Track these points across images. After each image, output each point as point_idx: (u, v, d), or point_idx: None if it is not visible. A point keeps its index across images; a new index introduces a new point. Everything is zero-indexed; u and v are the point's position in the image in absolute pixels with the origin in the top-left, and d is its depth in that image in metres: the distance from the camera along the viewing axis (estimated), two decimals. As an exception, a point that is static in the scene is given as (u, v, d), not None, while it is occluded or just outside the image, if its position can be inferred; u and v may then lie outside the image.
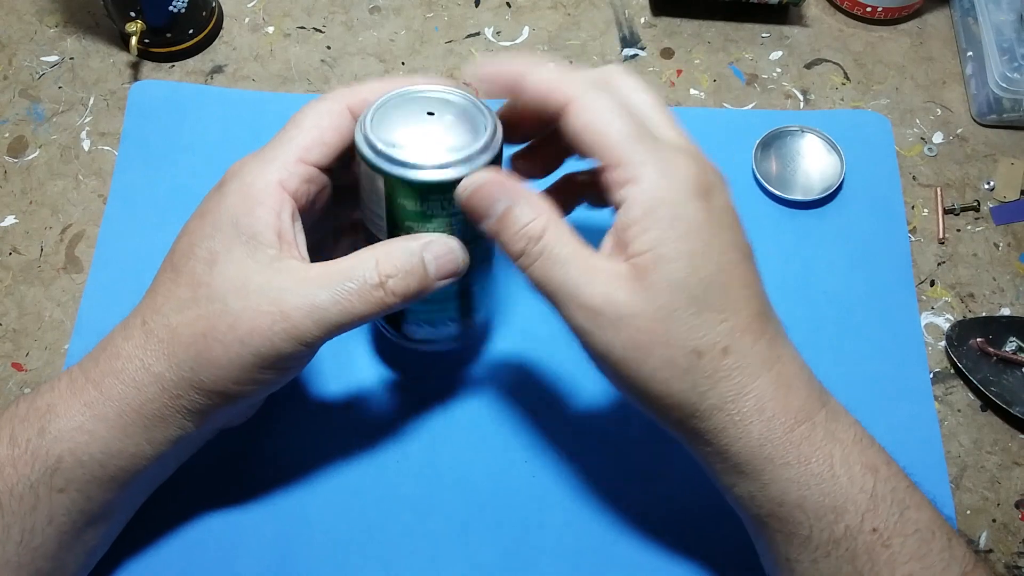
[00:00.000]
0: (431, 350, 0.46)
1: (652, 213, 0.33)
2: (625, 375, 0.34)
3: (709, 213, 0.33)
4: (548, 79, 0.35)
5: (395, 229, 0.37)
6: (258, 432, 0.46)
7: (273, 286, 0.34)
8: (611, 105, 0.34)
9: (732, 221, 0.35)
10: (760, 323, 0.34)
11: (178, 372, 0.35)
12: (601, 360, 0.34)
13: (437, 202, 0.36)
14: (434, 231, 0.37)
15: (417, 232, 0.37)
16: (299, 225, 0.37)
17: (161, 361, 0.35)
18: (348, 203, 0.40)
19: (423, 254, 0.36)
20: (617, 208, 0.34)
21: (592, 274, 0.33)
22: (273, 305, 0.34)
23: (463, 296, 0.42)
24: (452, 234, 0.37)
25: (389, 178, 0.35)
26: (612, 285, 0.33)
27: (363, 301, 0.35)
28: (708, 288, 0.33)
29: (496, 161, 0.37)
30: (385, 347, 0.49)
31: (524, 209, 0.34)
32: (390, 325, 0.43)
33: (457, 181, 0.35)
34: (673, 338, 0.33)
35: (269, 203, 0.35)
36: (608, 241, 0.35)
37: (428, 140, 0.36)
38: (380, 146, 0.35)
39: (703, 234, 0.33)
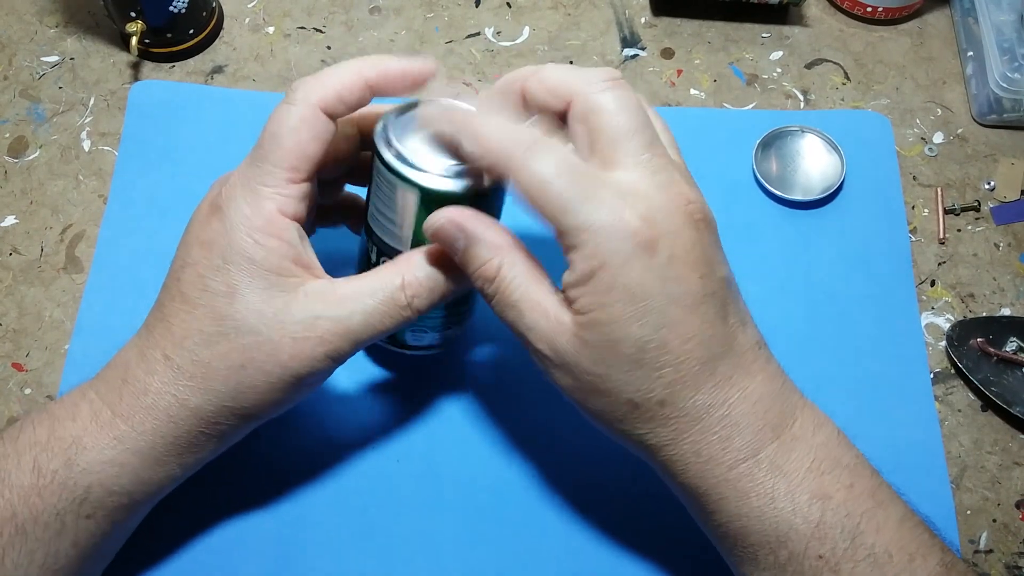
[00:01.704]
0: (426, 355, 0.46)
1: (591, 278, 0.33)
2: (581, 406, 0.36)
3: (649, 272, 0.33)
4: (492, 139, 0.34)
5: (417, 239, 0.38)
6: (258, 432, 0.46)
7: (307, 312, 0.35)
8: (552, 165, 0.33)
9: (681, 270, 0.33)
10: (703, 372, 0.34)
11: (217, 403, 0.36)
12: (560, 389, 0.37)
13: (436, 206, 0.36)
14: None
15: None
16: (308, 243, 0.37)
17: (197, 395, 0.35)
18: (325, 189, 0.41)
19: (448, 272, 0.37)
20: (573, 238, 0.34)
21: (541, 320, 0.35)
22: (310, 331, 0.35)
23: (468, 301, 0.42)
24: None
25: (423, 190, 0.36)
26: (556, 333, 0.34)
27: (390, 319, 0.36)
28: (643, 349, 0.33)
29: None
30: (384, 348, 0.49)
31: (479, 250, 0.35)
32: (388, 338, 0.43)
33: (493, 188, 0.37)
34: (610, 389, 0.34)
35: (277, 234, 0.35)
36: (569, 272, 0.34)
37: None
38: (403, 149, 0.36)
39: (640, 298, 0.33)
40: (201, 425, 0.36)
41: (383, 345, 0.44)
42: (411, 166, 0.36)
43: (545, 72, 0.36)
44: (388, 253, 0.39)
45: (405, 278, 0.36)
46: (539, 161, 0.33)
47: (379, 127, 0.37)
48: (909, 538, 0.34)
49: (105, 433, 0.36)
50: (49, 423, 0.36)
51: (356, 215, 0.45)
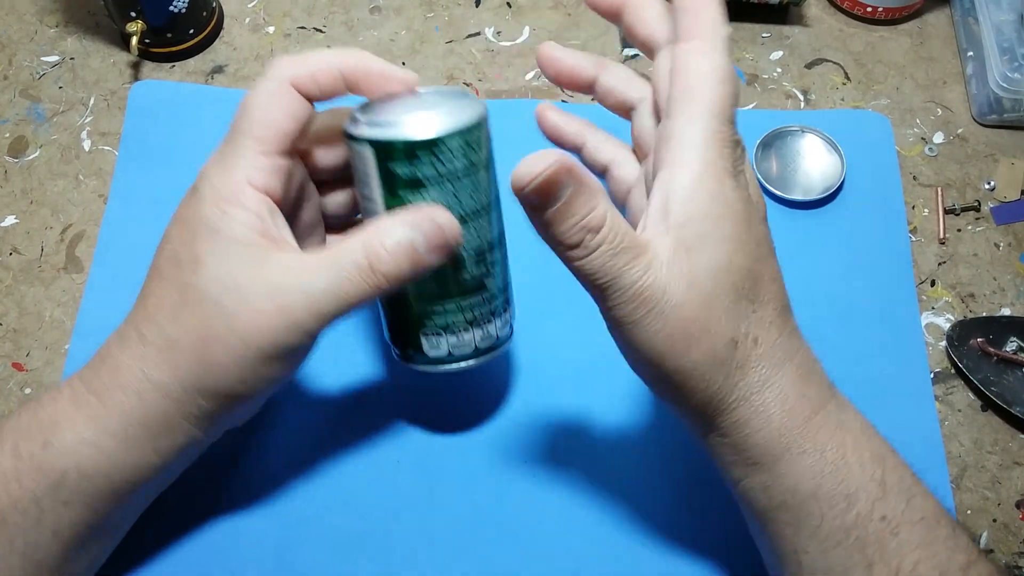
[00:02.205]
0: (454, 371, 0.41)
1: (702, 184, 0.32)
2: (665, 367, 0.33)
3: (747, 203, 0.33)
4: (703, 7, 0.34)
5: (390, 207, 0.37)
6: (257, 432, 0.46)
7: (266, 282, 0.34)
8: (731, 80, 0.33)
9: (763, 218, 0.35)
10: (784, 316, 0.35)
11: (182, 380, 0.35)
12: (641, 351, 0.33)
13: (428, 164, 0.36)
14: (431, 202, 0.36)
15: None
16: (282, 220, 0.36)
17: (163, 371, 0.35)
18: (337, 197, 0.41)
19: (409, 229, 0.35)
20: (658, 165, 0.33)
21: (643, 262, 0.32)
22: (269, 301, 0.34)
23: (476, 287, 0.39)
24: (452, 205, 0.36)
25: (375, 144, 0.36)
26: (661, 273, 0.32)
27: (356, 287, 0.34)
28: (744, 277, 0.33)
29: (466, 129, 0.36)
30: (383, 346, 0.49)
31: (584, 198, 0.31)
32: (401, 344, 0.41)
33: (447, 137, 0.35)
34: (715, 327, 0.33)
35: (242, 203, 0.35)
36: (654, 202, 0.33)
37: (415, 109, 0.36)
38: (363, 117, 0.36)
39: (741, 219, 0.33)
40: (169, 405, 0.35)
41: (405, 364, 0.41)
42: (365, 125, 0.36)
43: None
44: None
45: (367, 242, 0.35)
46: (730, 65, 0.34)
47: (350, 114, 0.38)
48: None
49: (81, 413, 0.35)
50: (33, 409, 0.36)
51: None
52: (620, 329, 0.33)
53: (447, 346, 0.40)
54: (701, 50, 0.33)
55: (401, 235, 0.34)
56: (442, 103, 0.36)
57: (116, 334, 0.37)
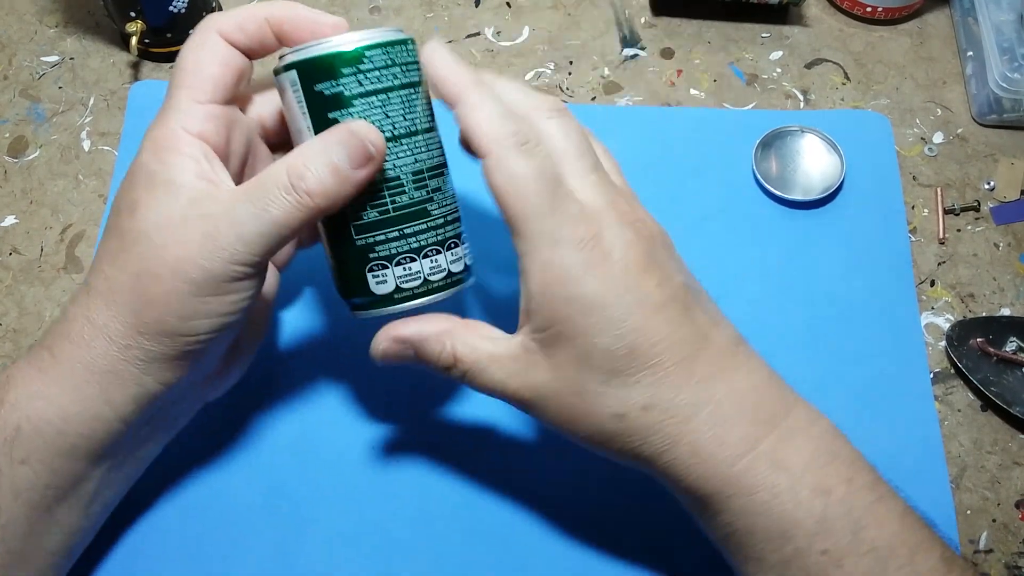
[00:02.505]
0: (408, 310, 0.38)
1: (546, 291, 0.34)
2: (569, 438, 0.37)
3: (604, 282, 0.34)
4: (477, 122, 0.35)
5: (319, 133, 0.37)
6: (256, 433, 0.46)
7: (194, 213, 0.34)
8: (530, 171, 0.34)
9: (637, 279, 0.34)
10: (681, 371, 0.34)
11: (121, 319, 0.35)
12: (550, 427, 0.37)
13: (353, 79, 0.36)
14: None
15: None
16: (219, 164, 0.37)
17: (102, 312, 0.35)
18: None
19: (331, 144, 0.35)
20: (520, 274, 0.35)
21: (511, 367, 0.36)
22: (196, 230, 0.34)
23: (418, 213, 0.38)
24: (383, 123, 0.36)
25: (298, 65, 0.36)
26: (529, 374, 0.36)
27: (281, 208, 0.34)
28: (612, 358, 0.34)
29: (387, 43, 0.37)
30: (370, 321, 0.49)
31: (430, 347, 0.37)
32: (349, 290, 0.39)
33: (367, 48, 0.36)
34: (592, 408, 0.35)
35: (179, 148, 0.35)
36: (521, 308, 0.36)
37: (339, 35, 0.37)
38: (288, 51, 0.37)
39: (600, 307, 0.34)
40: (112, 348, 0.35)
41: (357, 315, 0.40)
42: (289, 54, 0.37)
43: (498, 88, 0.37)
44: None
45: (289, 161, 0.35)
46: (524, 158, 0.34)
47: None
48: (910, 532, 0.34)
49: (32, 366, 0.36)
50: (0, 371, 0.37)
51: None
52: (537, 419, 0.37)
53: (394, 279, 0.38)
54: (491, 167, 0.35)
55: (321, 148, 0.35)
56: (367, 30, 0.37)
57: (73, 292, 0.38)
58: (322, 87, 0.36)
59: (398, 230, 0.37)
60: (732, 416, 0.35)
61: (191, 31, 0.38)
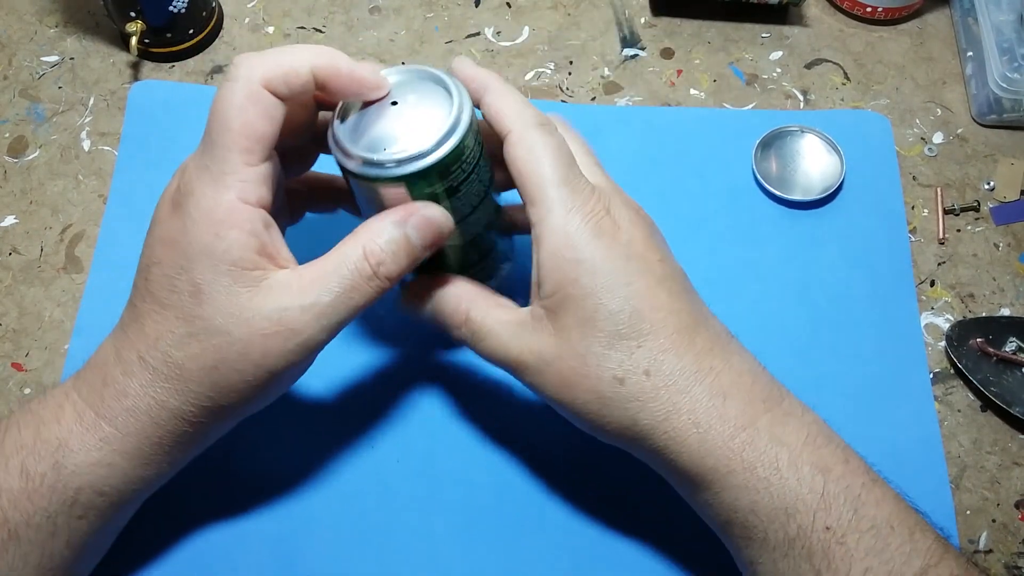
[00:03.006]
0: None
1: (557, 254, 0.35)
2: (564, 410, 0.37)
3: (611, 249, 0.36)
4: (504, 105, 0.37)
5: None
6: (256, 432, 0.46)
7: (273, 306, 0.34)
8: (548, 145, 0.36)
9: (643, 251, 0.36)
10: (683, 340, 0.35)
11: (197, 404, 0.35)
12: (545, 399, 0.38)
13: (459, 170, 0.36)
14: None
15: None
16: (275, 230, 0.36)
17: (176, 397, 0.35)
18: (291, 164, 0.41)
19: (406, 229, 0.36)
20: (533, 245, 0.37)
21: (516, 330, 0.37)
22: (280, 324, 0.34)
23: (479, 260, 0.42)
24: (451, 198, 0.37)
25: (408, 178, 0.36)
26: (533, 338, 0.37)
27: (362, 294, 0.35)
28: (617, 320, 0.35)
29: (470, 125, 0.36)
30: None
31: (443, 305, 0.39)
32: None
33: (439, 162, 0.36)
34: (593, 371, 0.35)
35: (239, 224, 0.34)
36: (533, 277, 0.37)
37: (403, 130, 0.36)
38: (377, 156, 0.35)
39: (606, 270, 0.35)
40: (183, 425, 0.36)
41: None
42: (393, 165, 0.36)
43: (492, 96, 0.38)
44: None
45: (366, 247, 0.35)
46: (543, 137, 0.36)
47: (331, 140, 0.37)
48: (907, 514, 0.35)
49: (91, 435, 0.35)
50: (34, 425, 0.36)
51: (349, 197, 0.43)
52: (535, 391, 0.38)
53: None
54: (513, 141, 0.37)
55: (398, 235, 0.36)
56: (428, 112, 0.36)
57: (114, 354, 0.36)
58: (431, 188, 0.36)
59: (465, 267, 0.41)
60: (731, 390, 0.35)
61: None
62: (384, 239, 0.35)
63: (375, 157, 0.35)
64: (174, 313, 0.35)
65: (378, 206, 0.37)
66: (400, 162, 0.35)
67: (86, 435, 0.35)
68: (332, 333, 0.36)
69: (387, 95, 0.37)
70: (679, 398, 0.35)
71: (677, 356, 0.35)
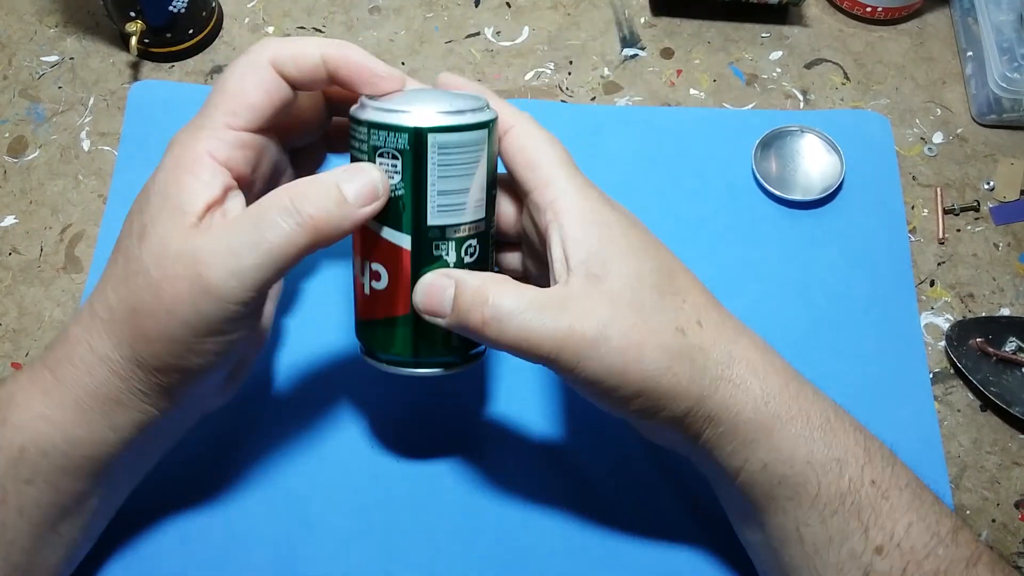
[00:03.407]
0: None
1: (586, 220, 0.36)
2: (632, 382, 0.34)
3: (630, 219, 0.37)
4: (499, 107, 0.38)
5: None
6: (256, 434, 0.46)
7: (190, 247, 0.33)
8: (547, 136, 0.38)
9: (645, 233, 0.38)
10: (712, 301, 0.37)
11: (119, 351, 0.34)
12: (609, 383, 0.34)
13: (434, 155, 0.35)
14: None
15: None
16: (238, 195, 0.35)
17: (104, 342, 0.34)
18: (300, 163, 0.41)
19: (340, 176, 0.34)
20: (546, 230, 0.36)
21: (557, 309, 0.34)
22: (189, 268, 0.32)
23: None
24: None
25: (488, 124, 0.36)
26: (578, 308, 0.34)
27: (280, 233, 0.32)
28: (659, 276, 0.35)
29: (490, 123, 0.36)
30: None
31: (466, 285, 0.35)
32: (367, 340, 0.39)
33: (493, 120, 0.37)
34: (654, 325, 0.34)
35: (198, 172, 0.34)
36: (555, 255, 0.36)
37: (447, 98, 0.36)
38: (370, 103, 0.36)
39: (632, 234, 0.36)
40: (113, 378, 0.34)
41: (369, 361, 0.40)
42: (481, 111, 0.36)
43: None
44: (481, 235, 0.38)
45: (291, 190, 0.33)
46: (538, 129, 0.38)
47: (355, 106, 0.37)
48: (922, 482, 0.36)
49: (35, 387, 0.35)
50: None
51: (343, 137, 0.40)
52: (574, 375, 0.34)
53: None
54: (520, 132, 0.38)
55: (330, 178, 0.34)
56: (452, 97, 0.37)
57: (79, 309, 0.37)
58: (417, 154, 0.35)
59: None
60: (764, 345, 0.37)
61: (240, 54, 0.36)
62: (316, 179, 0.34)
63: (370, 103, 0.36)
64: (121, 254, 0.35)
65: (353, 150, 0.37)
66: (482, 109, 0.36)
67: (31, 387, 0.35)
68: (246, 285, 0.32)
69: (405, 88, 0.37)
70: (733, 347, 0.36)
71: (717, 310, 0.37)
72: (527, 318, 0.33)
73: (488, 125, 0.36)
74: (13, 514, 0.35)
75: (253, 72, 0.35)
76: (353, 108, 0.37)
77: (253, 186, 0.37)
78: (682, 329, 0.35)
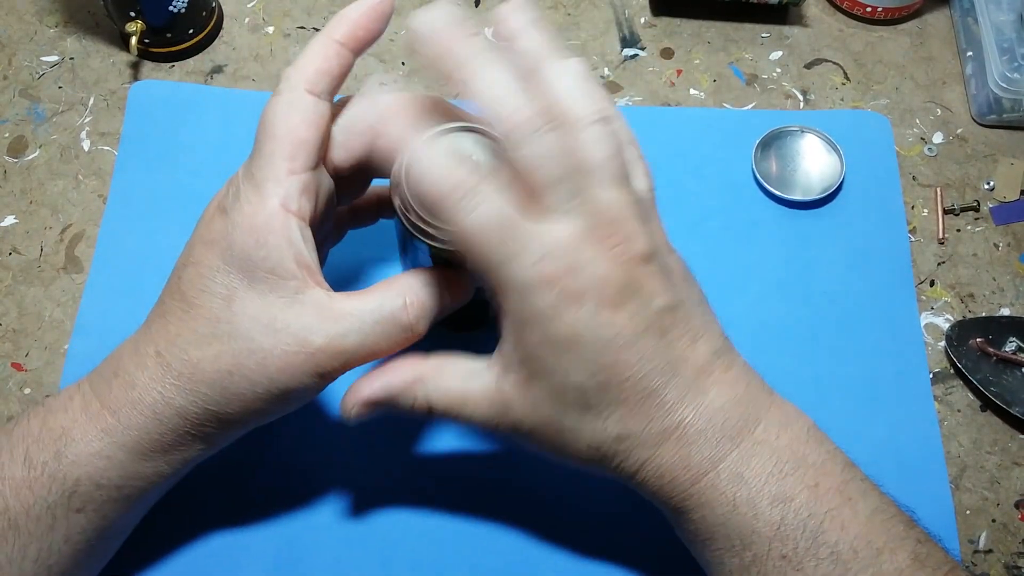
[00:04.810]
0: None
1: (521, 331, 0.34)
2: (553, 460, 0.37)
3: (576, 323, 0.33)
4: (430, 181, 0.33)
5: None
6: (258, 438, 0.46)
7: (300, 324, 0.34)
8: (483, 218, 0.32)
9: (609, 317, 0.33)
10: (651, 403, 0.34)
11: (202, 406, 0.35)
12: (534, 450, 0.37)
13: None
14: None
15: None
16: (312, 244, 0.36)
17: (182, 395, 0.35)
18: (344, 191, 0.40)
19: (445, 292, 0.37)
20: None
21: (484, 408, 0.36)
22: (302, 345, 0.34)
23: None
24: None
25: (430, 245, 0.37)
26: (505, 412, 0.36)
27: (388, 341, 0.36)
28: (585, 394, 0.34)
29: None
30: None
31: (402, 402, 0.37)
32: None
33: None
34: (570, 441, 0.36)
35: (279, 231, 0.34)
36: (498, 345, 0.36)
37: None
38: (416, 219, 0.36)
39: (571, 348, 0.33)
40: (185, 425, 0.35)
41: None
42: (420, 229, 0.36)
43: (552, 77, 0.34)
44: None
45: (408, 299, 0.36)
46: (471, 213, 0.32)
47: (395, 173, 0.37)
48: (878, 532, 0.34)
49: (93, 425, 0.35)
50: (43, 415, 0.36)
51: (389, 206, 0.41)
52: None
53: None
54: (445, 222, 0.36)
55: (437, 295, 0.37)
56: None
57: (131, 347, 0.37)
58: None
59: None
60: (696, 440, 0.35)
61: (272, 95, 0.36)
62: (426, 297, 0.36)
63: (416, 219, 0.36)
64: (202, 313, 0.35)
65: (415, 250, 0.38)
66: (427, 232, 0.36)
67: (88, 425, 0.35)
68: (346, 370, 0.36)
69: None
70: (648, 454, 0.35)
71: (646, 420, 0.34)
72: (467, 415, 0.37)
73: None
74: (59, 540, 0.36)
75: (296, 108, 0.35)
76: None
77: (316, 221, 0.37)
78: (596, 446, 0.35)
